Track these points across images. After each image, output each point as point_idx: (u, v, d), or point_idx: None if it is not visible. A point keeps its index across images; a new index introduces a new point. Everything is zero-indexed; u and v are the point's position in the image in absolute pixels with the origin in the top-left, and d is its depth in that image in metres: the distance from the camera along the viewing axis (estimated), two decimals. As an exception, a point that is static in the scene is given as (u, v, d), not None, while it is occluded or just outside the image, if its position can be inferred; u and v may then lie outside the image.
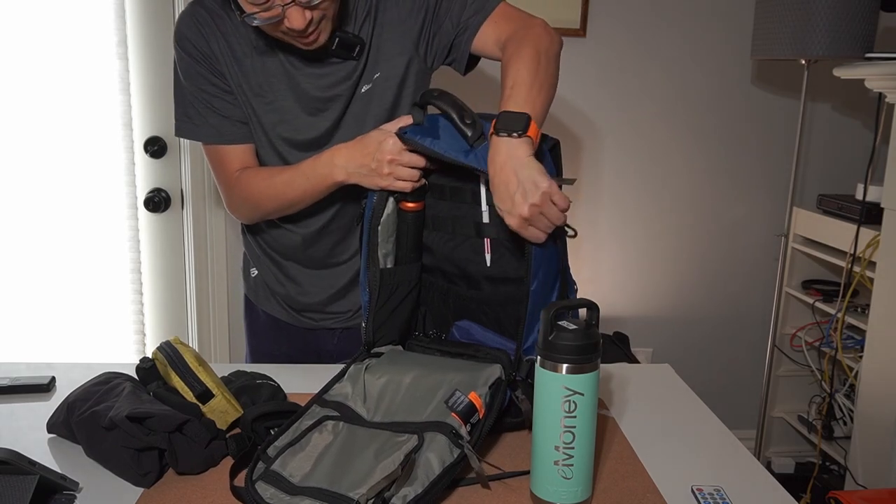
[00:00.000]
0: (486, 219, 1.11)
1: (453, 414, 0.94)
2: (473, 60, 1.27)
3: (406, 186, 1.10)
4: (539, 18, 1.21)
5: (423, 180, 1.13)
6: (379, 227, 1.12)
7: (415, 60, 1.25)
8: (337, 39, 1.18)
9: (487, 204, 1.11)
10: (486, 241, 1.09)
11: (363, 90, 1.24)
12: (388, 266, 1.14)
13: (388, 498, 0.84)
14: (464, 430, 0.93)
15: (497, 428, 1.05)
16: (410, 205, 1.13)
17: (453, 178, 1.13)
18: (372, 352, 1.14)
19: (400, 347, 1.17)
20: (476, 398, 0.97)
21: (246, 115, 1.25)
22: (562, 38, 1.22)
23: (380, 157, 1.09)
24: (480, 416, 0.96)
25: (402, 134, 1.08)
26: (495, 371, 1.02)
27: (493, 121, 1.01)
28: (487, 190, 1.09)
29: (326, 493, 0.86)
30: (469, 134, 1.03)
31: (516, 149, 0.98)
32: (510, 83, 1.08)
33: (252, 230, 1.40)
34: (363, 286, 1.14)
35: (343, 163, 1.14)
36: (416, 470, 0.88)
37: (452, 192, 1.13)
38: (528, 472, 0.95)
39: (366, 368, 1.07)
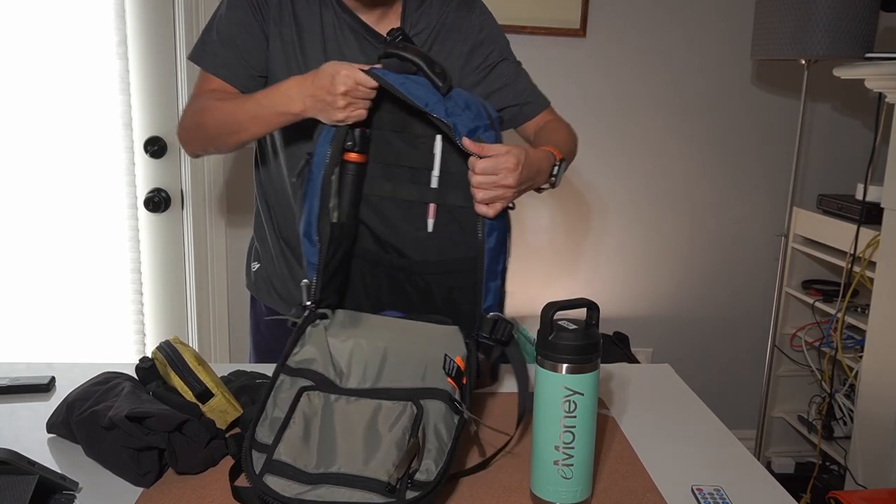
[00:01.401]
0: (434, 184, 1.09)
1: (449, 379, 0.93)
2: None
3: (363, 115, 1.06)
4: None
5: (368, 130, 1.10)
6: (333, 178, 1.06)
7: None
8: (400, 38, 1.20)
9: (441, 170, 1.10)
10: (431, 206, 1.07)
11: None
12: (335, 220, 1.07)
13: (412, 472, 0.83)
14: (458, 395, 0.92)
15: None
16: (354, 156, 1.08)
17: (405, 134, 1.10)
18: (319, 311, 1.05)
19: (342, 310, 1.09)
20: (461, 362, 0.95)
21: (264, 71, 1.24)
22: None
23: (333, 91, 1.05)
24: (464, 381, 0.95)
25: (370, 70, 1.04)
26: (459, 333, 1.01)
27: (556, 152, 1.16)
28: (442, 154, 1.09)
29: (350, 478, 0.83)
30: (440, 84, 1.03)
31: (545, 162, 1.13)
32: (555, 141, 1.25)
33: (272, 216, 1.39)
34: (311, 239, 1.07)
35: (297, 94, 1.09)
36: (425, 441, 0.87)
37: (399, 153, 1.10)
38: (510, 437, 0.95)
39: (327, 330, 0.99)
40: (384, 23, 1.26)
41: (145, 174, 2.16)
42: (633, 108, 2.40)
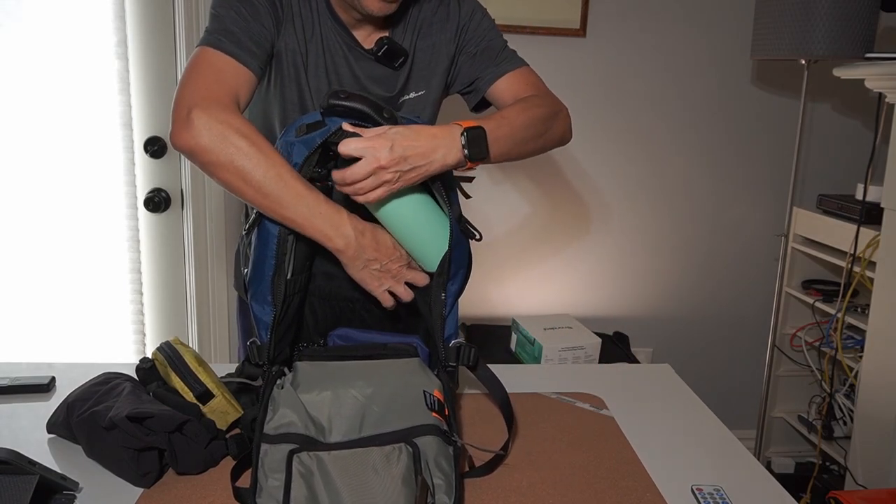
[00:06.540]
0: None
1: (434, 413, 0.93)
2: (485, 102, 1.32)
3: (406, 296, 1.04)
4: (565, 106, 1.27)
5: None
6: (289, 235, 1.02)
7: (443, 85, 1.30)
8: (385, 47, 1.19)
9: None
10: None
11: (400, 103, 1.27)
12: (288, 276, 1.03)
13: None
14: (445, 426, 0.92)
15: None
16: None
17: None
18: (274, 370, 1.01)
19: (301, 363, 1.01)
20: (440, 394, 0.95)
21: (266, 61, 1.16)
22: (570, 137, 1.29)
23: (395, 259, 1.03)
24: (446, 412, 0.95)
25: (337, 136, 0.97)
26: (423, 365, 1.00)
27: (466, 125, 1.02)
28: None
29: None
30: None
31: (453, 153, 1.00)
32: (501, 113, 1.12)
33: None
34: (264, 299, 1.01)
35: (354, 241, 1.01)
36: (432, 477, 0.87)
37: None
38: (504, 454, 0.95)
39: (296, 389, 0.94)
40: (373, 39, 1.23)
41: (145, 174, 2.16)
42: (633, 108, 2.40)
